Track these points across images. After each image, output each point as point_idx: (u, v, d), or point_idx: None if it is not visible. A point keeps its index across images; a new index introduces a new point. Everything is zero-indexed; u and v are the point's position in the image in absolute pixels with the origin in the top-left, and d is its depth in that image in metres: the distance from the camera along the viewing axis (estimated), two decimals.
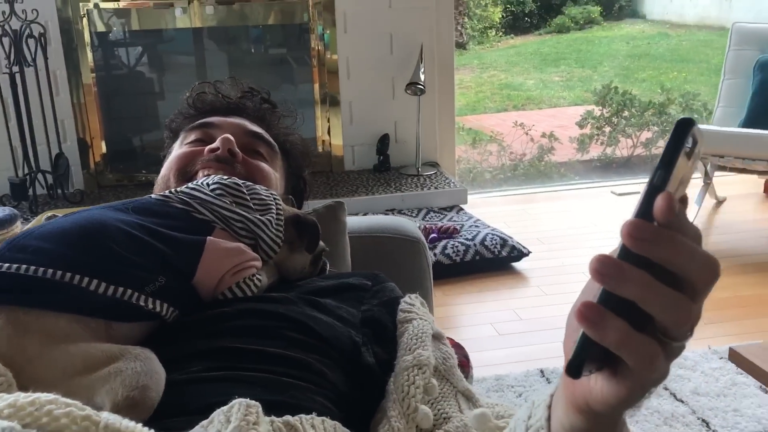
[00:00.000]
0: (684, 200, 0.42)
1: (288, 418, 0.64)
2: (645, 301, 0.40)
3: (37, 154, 3.16)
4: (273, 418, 0.63)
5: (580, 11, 9.17)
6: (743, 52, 3.34)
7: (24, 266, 0.70)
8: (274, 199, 0.96)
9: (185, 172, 1.02)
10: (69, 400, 0.49)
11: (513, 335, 2.32)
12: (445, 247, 2.74)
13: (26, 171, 3.14)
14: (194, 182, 0.95)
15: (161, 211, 0.86)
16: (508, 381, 1.99)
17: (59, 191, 3.24)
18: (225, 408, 0.58)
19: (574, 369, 0.42)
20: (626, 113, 5.09)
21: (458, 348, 1.10)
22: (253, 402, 0.60)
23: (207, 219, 0.88)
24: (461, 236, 2.84)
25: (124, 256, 0.76)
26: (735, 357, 1.04)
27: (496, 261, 2.77)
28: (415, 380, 0.79)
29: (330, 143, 3.55)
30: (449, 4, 3.50)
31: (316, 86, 3.52)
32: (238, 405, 0.58)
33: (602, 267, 0.39)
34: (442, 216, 3.18)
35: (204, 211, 0.88)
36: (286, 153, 1.16)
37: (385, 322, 0.89)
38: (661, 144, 4.93)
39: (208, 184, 0.92)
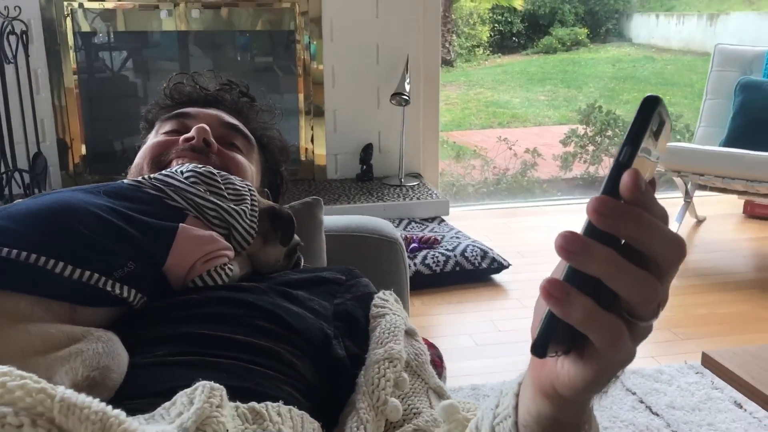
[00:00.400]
0: (653, 183, 0.41)
1: (253, 404, 0.63)
2: (610, 279, 0.39)
3: (15, 153, 3.12)
4: (238, 403, 0.62)
5: (567, 32, 9.28)
6: (725, 73, 3.38)
7: None
8: (249, 190, 0.95)
9: (159, 161, 1.01)
10: (24, 373, 0.47)
11: (491, 346, 2.31)
12: (425, 257, 2.72)
13: (2, 169, 3.09)
14: (168, 170, 0.93)
15: (133, 195, 0.84)
16: (484, 391, 1.98)
17: (36, 191, 3.20)
18: (188, 390, 0.56)
19: (539, 348, 0.41)
20: (610, 132, 5.14)
21: (431, 347, 1.09)
22: (217, 385, 0.58)
23: (180, 206, 0.86)
24: (442, 247, 2.83)
25: (93, 239, 0.74)
26: (708, 362, 1.03)
27: (476, 272, 2.77)
28: (386, 373, 0.78)
29: (313, 151, 3.54)
30: (436, 16, 3.52)
31: (301, 96, 3.51)
32: (201, 387, 0.57)
33: (567, 243, 0.39)
34: (423, 227, 3.17)
35: (177, 198, 0.86)
36: (263, 147, 1.14)
37: (357, 316, 0.88)
38: None
39: (182, 172, 0.91)
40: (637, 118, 0.39)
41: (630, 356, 0.42)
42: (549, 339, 0.41)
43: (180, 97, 1.12)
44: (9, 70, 3.02)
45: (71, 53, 3.30)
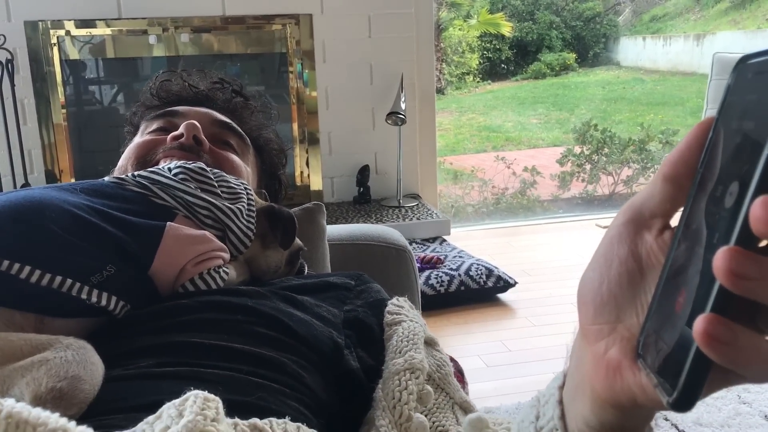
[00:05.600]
0: None
1: (255, 420, 0.53)
2: None
3: (2, 185, 3.02)
4: (237, 420, 0.51)
5: (555, 58, 9.34)
6: (725, 81, 3.33)
7: None
8: (245, 188, 0.85)
9: (145, 161, 0.92)
10: None
11: (502, 367, 2.20)
12: (428, 278, 2.62)
13: None
14: (155, 167, 0.84)
15: (114, 193, 0.75)
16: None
17: None
18: (177, 401, 0.46)
19: (689, 402, 0.31)
20: (606, 150, 5.08)
21: (452, 361, 0.99)
22: (212, 396, 0.48)
23: (168, 205, 0.77)
24: (445, 266, 2.73)
25: (67, 239, 0.64)
26: None
27: (481, 292, 2.66)
28: (408, 385, 0.68)
29: (309, 176, 3.46)
30: (429, 34, 3.47)
31: (295, 125, 3.43)
32: (193, 397, 0.46)
33: (739, 266, 0.28)
34: (424, 247, 3.07)
35: (164, 196, 0.77)
36: (259, 149, 1.05)
37: (370, 324, 0.78)
38: (643, 181, 4.91)
39: (170, 169, 0.82)
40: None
41: None
42: (700, 391, 0.31)
43: (168, 96, 1.03)
44: None
45: (59, 88, 3.21)
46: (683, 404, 0.31)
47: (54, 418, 0.37)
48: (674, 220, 0.36)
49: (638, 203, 0.37)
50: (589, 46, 9.52)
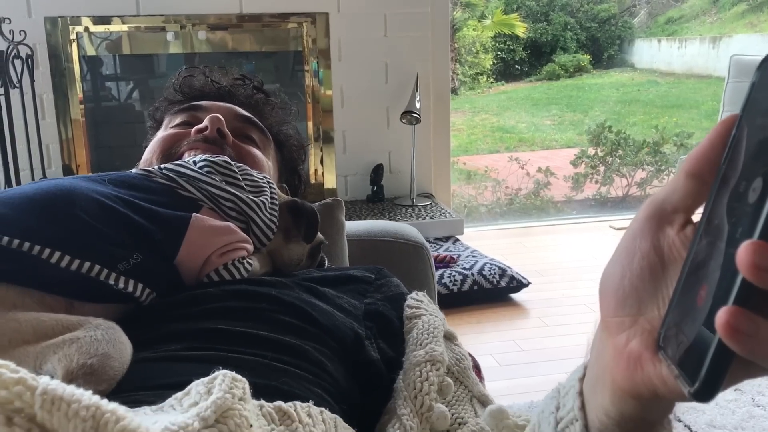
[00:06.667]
0: None
1: (280, 403, 0.54)
2: None
3: (20, 179, 3.05)
4: (262, 401, 0.52)
5: (569, 59, 9.30)
6: (742, 84, 3.31)
7: None
8: (268, 182, 0.87)
9: (169, 155, 0.93)
10: (0, 361, 0.39)
11: (515, 366, 2.20)
12: (441, 277, 2.63)
13: None
14: (180, 160, 0.85)
15: (141, 185, 0.76)
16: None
17: None
18: (205, 379, 0.47)
19: (710, 393, 0.32)
20: (620, 152, 5.06)
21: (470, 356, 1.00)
22: (239, 376, 0.49)
23: (193, 197, 0.78)
24: (458, 265, 2.74)
25: (95, 227, 0.66)
26: None
27: (494, 291, 2.67)
28: (429, 376, 0.69)
29: (323, 174, 3.47)
30: (445, 33, 3.47)
31: (310, 123, 3.45)
32: (222, 376, 0.48)
33: (763, 260, 0.29)
34: (437, 246, 3.08)
35: (190, 188, 0.78)
36: (279, 144, 1.07)
37: (390, 317, 0.79)
38: (657, 183, 4.89)
39: (195, 162, 0.83)
40: None
41: None
42: (722, 381, 0.31)
43: (191, 92, 1.05)
44: (14, 95, 2.97)
45: (77, 83, 3.24)
46: (705, 395, 0.31)
47: (87, 395, 0.38)
48: (696, 216, 0.37)
49: (660, 198, 0.38)
50: (604, 48, 9.47)
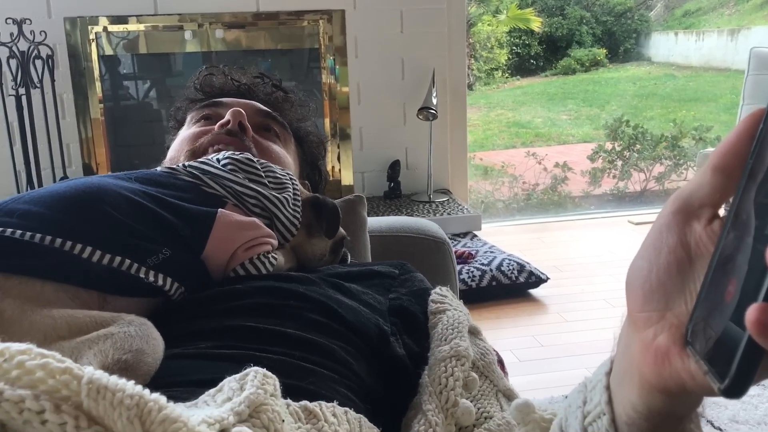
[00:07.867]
0: None
1: (306, 403, 0.54)
2: None
3: (41, 178, 3.09)
4: (289, 401, 0.53)
5: (585, 53, 9.23)
6: (762, 76, 3.28)
7: (9, 230, 0.61)
8: (291, 178, 0.87)
9: (194, 151, 0.94)
10: (45, 351, 0.39)
11: (534, 361, 2.20)
12: (459, 272, 2.63)
13: None
14: (204, 157, 0.86)
15: (168, 182, 0.77)
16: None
17: None
18: (237, 375, 0.48)
19: (740, 389, 0.32)
20: (638, 146, 5.02)
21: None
22: (270, 374, 0.50)
23: (218, 194, 0.79)
24: (477, 261, 2.74)
25: (125, 223, 0.67)
26: None
27: (513, 287, 2.66)
28: (454, 372, 0.69)
29: (340, 170, 3.48)
30: (461, 29, 3.47)
31: (327, 120, 3.45)
32: (254, 373, 0.48)
33: None
34: (455, 242, 3.08)
35: (215, 186, 0.79)
36: (300, 140, 1.08)
37: (415, 312, 0.80)
38: (675, 178, 4.85)
39: (218, 159, 0.84)
40: None
41: None
42: (752, 378, 0.31)
43: (211, 90, 1.06)
44: (35, 95, 3.01)
45: (97, 83, 3.27)
46: (735, 391, 0.31)
47: (130, 385, 0.39)
48: (722, 211, 0.37)
49: (687, 193, 0.38)
50: (620, 42, 9.39)
